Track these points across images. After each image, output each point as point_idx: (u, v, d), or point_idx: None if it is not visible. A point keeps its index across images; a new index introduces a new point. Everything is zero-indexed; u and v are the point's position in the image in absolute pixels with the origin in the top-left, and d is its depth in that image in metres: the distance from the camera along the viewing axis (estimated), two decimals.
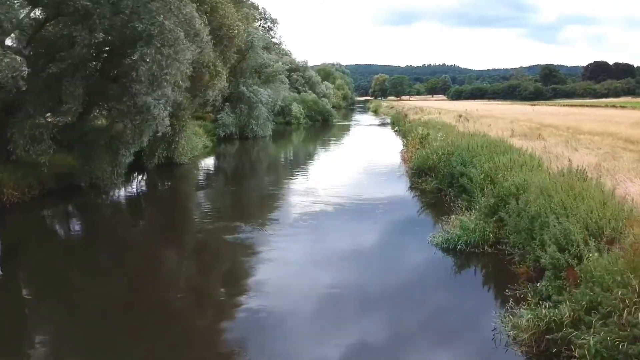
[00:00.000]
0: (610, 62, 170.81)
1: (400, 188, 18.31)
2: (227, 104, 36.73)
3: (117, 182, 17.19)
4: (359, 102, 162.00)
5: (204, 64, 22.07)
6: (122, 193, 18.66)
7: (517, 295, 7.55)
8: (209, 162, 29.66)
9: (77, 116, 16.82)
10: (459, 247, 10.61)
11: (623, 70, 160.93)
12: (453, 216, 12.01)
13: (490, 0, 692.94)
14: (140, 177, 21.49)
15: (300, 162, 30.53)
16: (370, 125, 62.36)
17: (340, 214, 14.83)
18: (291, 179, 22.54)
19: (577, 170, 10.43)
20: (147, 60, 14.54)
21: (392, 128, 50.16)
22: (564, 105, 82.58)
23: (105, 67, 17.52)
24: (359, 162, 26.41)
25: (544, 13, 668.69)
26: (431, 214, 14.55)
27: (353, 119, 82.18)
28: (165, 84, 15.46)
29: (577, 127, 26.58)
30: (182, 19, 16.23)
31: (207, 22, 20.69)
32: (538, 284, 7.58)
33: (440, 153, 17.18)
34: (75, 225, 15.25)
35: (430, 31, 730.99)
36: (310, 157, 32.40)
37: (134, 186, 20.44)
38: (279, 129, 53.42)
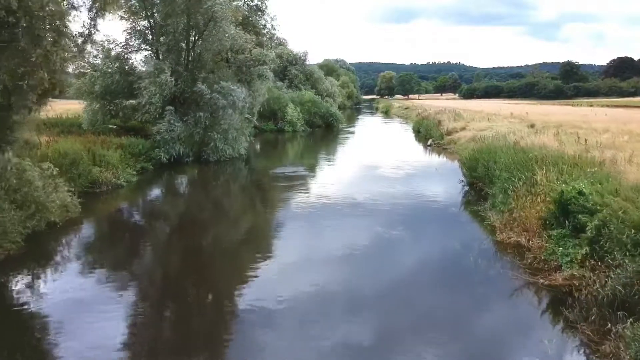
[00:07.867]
0: (635, 58, 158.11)
1: None
2: (169, 108, 22.51)
3: None
4: (365, 100, 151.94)
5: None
6: None
7: None
8: (84, 240, 12.30)
9: None
10: None
11: None
12: None
13: None
14: None
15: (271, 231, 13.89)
16: (385, 133, 48.43)
17: None
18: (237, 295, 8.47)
19: None
20: None
21: (421, 141, 35.86)
22: (606, 106, 68.60)
23: None
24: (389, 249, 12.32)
25: (543, 11, 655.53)
26: None
27: (360, 122, 67.79)
28: None
29: None
30: None
31: None
32: None
33: None
34: None
35: (431, 29, 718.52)
36: (291, 216, 16.46)
37: None
38: (268, 139, 40.21)
